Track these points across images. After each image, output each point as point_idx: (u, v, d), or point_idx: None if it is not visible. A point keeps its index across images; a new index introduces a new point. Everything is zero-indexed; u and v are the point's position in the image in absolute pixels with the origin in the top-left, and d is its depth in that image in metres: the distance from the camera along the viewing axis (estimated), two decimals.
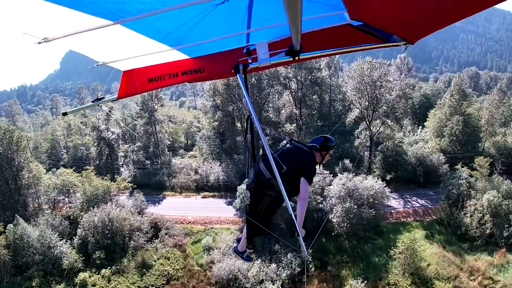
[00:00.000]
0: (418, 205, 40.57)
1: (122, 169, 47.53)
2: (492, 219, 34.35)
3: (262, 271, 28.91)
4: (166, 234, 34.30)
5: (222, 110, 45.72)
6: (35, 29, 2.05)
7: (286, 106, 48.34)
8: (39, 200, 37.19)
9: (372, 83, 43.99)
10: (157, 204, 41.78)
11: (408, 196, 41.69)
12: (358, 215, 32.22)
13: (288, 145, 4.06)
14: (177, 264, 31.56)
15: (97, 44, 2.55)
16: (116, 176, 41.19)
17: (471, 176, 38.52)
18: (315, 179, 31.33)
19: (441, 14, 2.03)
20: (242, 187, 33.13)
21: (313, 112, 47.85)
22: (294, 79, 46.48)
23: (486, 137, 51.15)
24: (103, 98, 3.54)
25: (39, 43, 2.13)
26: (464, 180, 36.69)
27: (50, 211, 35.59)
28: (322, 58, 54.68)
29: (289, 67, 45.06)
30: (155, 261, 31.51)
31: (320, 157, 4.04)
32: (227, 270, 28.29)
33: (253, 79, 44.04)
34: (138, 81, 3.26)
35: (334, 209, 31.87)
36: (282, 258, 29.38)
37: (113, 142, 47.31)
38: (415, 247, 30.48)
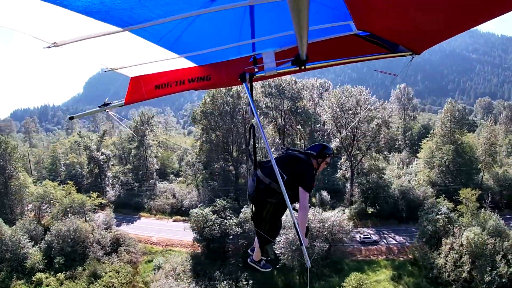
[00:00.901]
0: (394, 242, 39.56)
1: (108, 188, 52.76)
2: (473, 260, 31.47)
3: None
4: (124, 250, 37.94)
5: (207, 135, 49.84)
6: (45, 34, 2.18)
7: (269, 136, 51.09)
8: (23, 206, 43.78)
9: (348, 111, 45.16)
10: (130, 223, 45.98)
11: (386, 232, 40.97)
12: (308, 248, 30.78)
13: (284, 153, 4.13)
14: (124, 279, 34.64)
15: (105, 50, 2.71)
16: (93, 193, 45.63)
17: (454, 210, 36.76)
18: None
19: (448, 25, 2.11)
20: (194, 210, 36.77)
21: (297, 142, 50.42)
22: (275, 109, 49.79)
23: (485, 168, 48.19)
24: (110, 103, 3.66)
25: (49, 47, 2.24)
26: (442, 215, 34.61)
27: (32, 217, 41.87)
28: (306, 87, 55.69)
29: (271, 97, 48.25)
30: (105, 273, 35.14)
31: (317, 164, 4.13)
32: None
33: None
34: (145, 88, 3.39)
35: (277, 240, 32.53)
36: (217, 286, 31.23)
37: (102, 163, 53.53)
38: None
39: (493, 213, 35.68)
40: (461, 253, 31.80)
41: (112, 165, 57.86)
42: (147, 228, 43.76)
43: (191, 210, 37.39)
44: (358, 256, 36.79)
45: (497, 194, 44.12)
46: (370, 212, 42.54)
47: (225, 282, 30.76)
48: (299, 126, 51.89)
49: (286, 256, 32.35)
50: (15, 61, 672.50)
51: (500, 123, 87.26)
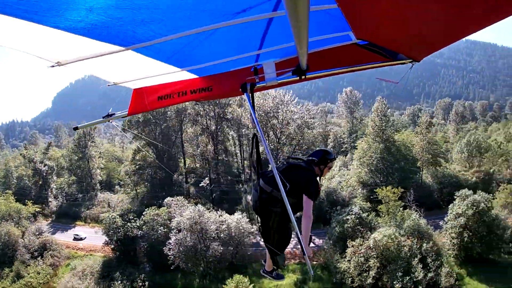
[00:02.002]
0: (312, 245, 40.52)
1: (50, 199, 56.51)
2: (384, 265, 29.70)
3: None
4: (50, 255, 41.81)
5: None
6: (48, 54, 2.26)
7: (200, 142, 53.91)
8: None
9: (265, 114, 46.63)
10: (65, 231, 49.79)
11: None
12: (203, 251, 34.28)
13: (285, 163, 4.15)
14: (43, 280, 38.48)
15: (108, 67, 2.81)
16: (28, 202, 49.15)
17: (375, 210, 36.39)
18: None
19: (448, 33, 2.12)
20: (105, 215, 40.74)
21: (231, 148, 54.29)
22: (206, 116, 52.63)
23: (424, 167, 48.48)
24: (114, 114, 3.73)
25: (52, 66, 2.32)
26: (353, 216, 33.57)
27: None
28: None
29: (200, 104, 50.22)
30: (28, 274, 38.95)
31: (319, 171, 4.11)
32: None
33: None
34: (147, 99, 3.48)
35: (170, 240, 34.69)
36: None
37: (44, 174, 57.30)
38: None
39: (417, 212, 35.71)
40: (367, 257, 30.04)
41: (58, 176, 61.44)
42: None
43: (101, 214, 41.29)
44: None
45: (436, 192, 44.39)
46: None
47: (119, 282, 34.05)
48: (232, 132, 54.71)
49: (178, 259, 34.04)
50: None
51: (450, 121, 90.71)
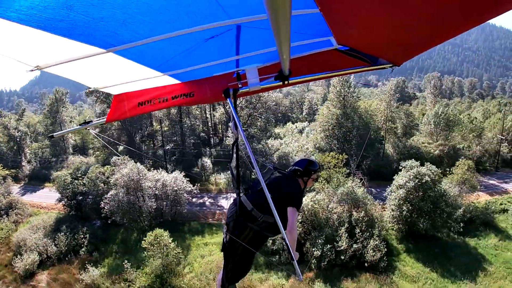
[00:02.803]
0: None
1: (24, 163, 59.41)
2: (309, 231, 29.67)
3: None
4: (14, 213, 44.33)
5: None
6: (28, 57, 2.23)
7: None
8: None
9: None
10: (33, 192, 52.53)
11: None
12: (138, 207, 35.78)
13: (271, 174, 4.02)
14: (4, 234, 40.65)
15: (88, 71, 2.74)
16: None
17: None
18: None
19: (427, 38, 2.14)
20: (57, 173, 43.28)
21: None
22: None
23: (388, 136, 48.76)
24: (91, 121, 3.73)
25: (32, 70, 2.31)
26: None
27: None
28: None
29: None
30: None
31: (303, 183, 3.97)
32: (20, 239, 36.88)
33: None
34: (128, 105, 3.43)
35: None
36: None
37: (18, 140, 59.85)
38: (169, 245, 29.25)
39: (361, 181, 35.65)
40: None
41: (37, 141, 63.74)
42: (43, 196, 49.82)
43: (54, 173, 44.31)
44: (211, 219, 39.50)
45: (395, 163, 44.02)
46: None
47: (63, 233, 36.33)
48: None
49: (116, 214, 35.65)
50: None
51: (428, 95, 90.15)
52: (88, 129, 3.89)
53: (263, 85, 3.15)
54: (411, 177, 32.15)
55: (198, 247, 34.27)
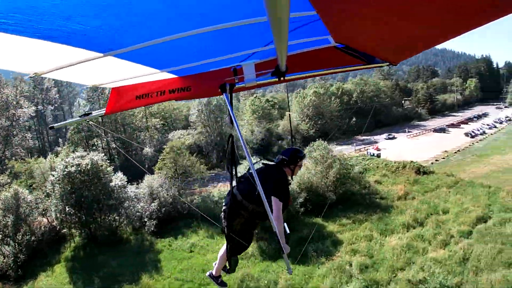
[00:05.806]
0: None
1: None
2: None
3: None
4: None
5: None
6: (26, 66, 2.23)
7: None
8: None
9: None
10: None
11: None
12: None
13: (260, 165, 4.11)
14: None
15: (86, 72, 2.76)
16: None
17: None
18: None
19: (426, 39, 2.17)
20: None
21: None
22: None
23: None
24: (91, 113, 3.78)
25: (30, 77, 2.43)
26: None
27: None
28: None
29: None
30: None
31: (290, 171, 4.05)
32: None
33: None
34: (126, 98, 3.47)
35: None
36: None
37: None
38: None
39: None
40: None
41: None
42: None
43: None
44: None
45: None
46: None
47: None
48: None
49: None
50: None
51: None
52: (88, 121, 3.82)
53: (260, 80, 3.15)
54: None
55: None
